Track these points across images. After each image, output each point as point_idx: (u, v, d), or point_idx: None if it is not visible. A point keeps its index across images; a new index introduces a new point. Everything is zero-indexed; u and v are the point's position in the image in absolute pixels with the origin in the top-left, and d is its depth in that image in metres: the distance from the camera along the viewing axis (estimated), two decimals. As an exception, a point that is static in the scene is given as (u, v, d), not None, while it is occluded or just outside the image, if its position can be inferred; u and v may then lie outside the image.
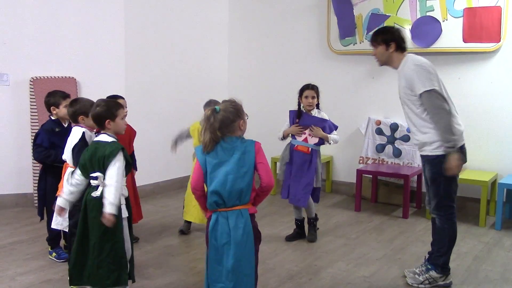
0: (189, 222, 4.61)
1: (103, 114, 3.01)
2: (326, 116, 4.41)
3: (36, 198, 5.33)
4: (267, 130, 5.94)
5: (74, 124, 3.51)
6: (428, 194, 3.59)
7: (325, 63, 6.32)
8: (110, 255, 2.92)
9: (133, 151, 4.43)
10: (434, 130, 3.36)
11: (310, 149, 4.35)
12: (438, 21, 5.48)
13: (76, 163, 3.28)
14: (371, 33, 5.82)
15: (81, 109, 3.46)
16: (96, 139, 3.06)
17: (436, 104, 3.31)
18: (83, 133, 3.41)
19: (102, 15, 5.62)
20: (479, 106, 5.46)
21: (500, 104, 5.36)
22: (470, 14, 5.29)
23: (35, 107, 5.32)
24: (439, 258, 3.52)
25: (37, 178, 5.28)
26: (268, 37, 6.77)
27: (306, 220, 4.56)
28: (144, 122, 5.68)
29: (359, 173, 5.60)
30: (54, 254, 3.96)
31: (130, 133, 4.36)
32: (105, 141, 2.99)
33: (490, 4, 5.20)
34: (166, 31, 6.19)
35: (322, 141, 4.38)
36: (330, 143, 4.38)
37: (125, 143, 4.18)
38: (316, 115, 4.39)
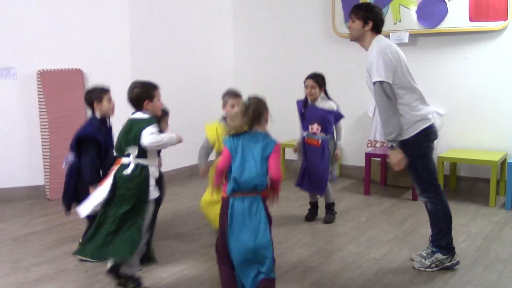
0: None
1: (141, 95, 3.14)
2: (333, 105, 4.38)
3: (48, 190, 5.40)
4: (273, 116, 5.93)
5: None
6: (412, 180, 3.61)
7: (331, 47, 6.29)
8: (126, 233, 3.01)
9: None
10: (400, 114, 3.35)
11: (320, 141, 4.38)
12: (444, 0, 5.42)
13: None
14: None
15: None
16: (132, 117, 3.17)
17: (381, 97, 3.28)
18: None
19: (106, 6, 5.62)
20: (487, 86, 5.42)
21: (509, 83, 5.32)
22: (477, -8, 5.23)
23: (43, 99, 5.35)
24: (441, 240, 3.51)
25: (48, 170, 5.38)
26: (272, 22, 6.74)
27: (323, 204, 4.63)
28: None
29: (368, 156, 5.60)
30: None
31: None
32: (140, 118, 3.13)
33: (496, -18, 5.14)
34: (170, 20, 6.19)
35: (331, 130, 4.39)
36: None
37: None
38: (322, 105, 4.37)
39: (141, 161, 3.09)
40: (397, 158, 3.33)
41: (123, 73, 5.66)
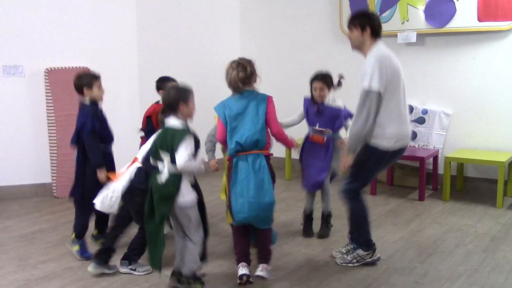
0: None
1: (177, 96, 3.11)
2: (341, 104, 4.22)
3: (55, 187, 5.43)
4: (280, 114, 5.90)
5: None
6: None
7: (338, 47, 6.27)
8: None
9: None
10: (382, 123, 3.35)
11: (325, 138, 4.17)
12: (452, 0, 5.39)
13: None
14: (384, 14, 5.78)
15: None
16: (167, 123, 3.13)
17: (365, 104, 3.28)
18: None
19: (114, 4, 5.63)
20: (494, 86, 5.39)
21: (517, 84, 5.30)
22: (485, -8, 5.20)
23: (50, 97, 5.37)
24: (359, 237, 3.59)
25: (55, 167, 5.40)
26: (279, 21, 6.73)
27: (317, 215, 4.42)
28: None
29: (374, 156, 5.58)
30: (77, 247, 3.78)
31: None
32: (174, 127, 3.09)
33: (505, -18, 5.10)
34: (177, 18, 6.20)
35: (339, 128, 4.23)
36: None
37: None
38: (330, 104, 4.19)
39: (175, 168, 3.05)
40: (349, 163, 3.41)
41: (130, 71, 5.68)
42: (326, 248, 3.95)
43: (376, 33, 3.43)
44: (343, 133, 4.29)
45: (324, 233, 4.24)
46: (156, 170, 3.11)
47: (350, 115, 4.25)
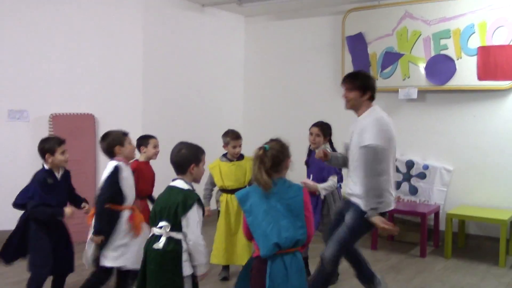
0: (227, 266, 4.31)
1: (190, 157, 2.81)
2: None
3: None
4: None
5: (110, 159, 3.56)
6: (330, 233, 3.49)
7: (340, 101, 6.30)
8: None
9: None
10: None
11: (317, 190, 4.11)
12: (452, 59, 5.51)
13: (104, 197, 3.36)
14: (385, 70, 5.91)
15: (114, 140, 3.53)
16: (172, 184, 2.86)
17: (374, 160, 3.20)
18: (116, 167, 3.43)
19: (120, 53, 5.76)
20: (494, 144, 5.42)
21: (517, 142, 5.33)
22: (484, 52, 5.31)
23: (53, 143, 5.41)
24: None
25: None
26: (282, 75, 6.85)
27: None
28: (162, 159, 5.69)
29: (375, 210, 5.54)
30: None
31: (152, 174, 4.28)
32: (180, 188, 2.79)
33: (504, 43, 5.22)
34: (183, 69, 6.32)
35: (326, 179, 4.15)
36: (320, 194, 4.12)
37: (148, 184, 4.17)
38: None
39: (175, 234, 2.76)
40: (382, 224, 3.21)
41: (135, 119, 5.73)
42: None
43: (373, 97, 3.47)
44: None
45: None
46: (153, 236, 2.80)
47: (335, 171, 4.19)
